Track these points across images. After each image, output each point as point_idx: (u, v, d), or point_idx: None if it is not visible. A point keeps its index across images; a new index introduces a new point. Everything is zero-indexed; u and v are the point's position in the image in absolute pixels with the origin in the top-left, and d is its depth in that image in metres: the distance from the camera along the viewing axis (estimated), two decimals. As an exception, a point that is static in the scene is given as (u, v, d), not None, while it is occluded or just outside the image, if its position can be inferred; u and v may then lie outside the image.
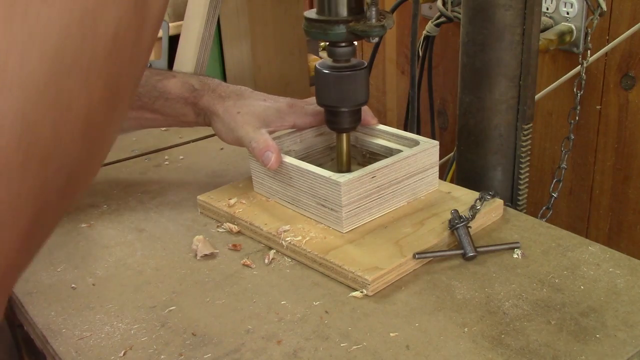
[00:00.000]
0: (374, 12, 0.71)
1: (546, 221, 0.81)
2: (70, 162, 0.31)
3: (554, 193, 1.10)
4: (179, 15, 1.32)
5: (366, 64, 0.78)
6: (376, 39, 0.73)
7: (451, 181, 1.08)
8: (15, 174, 0.28)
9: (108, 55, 0.31)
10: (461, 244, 0.72)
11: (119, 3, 0.31)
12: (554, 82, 1.24)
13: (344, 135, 0.82)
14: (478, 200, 0.75)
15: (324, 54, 1.83)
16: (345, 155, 0.82)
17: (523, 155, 0.95)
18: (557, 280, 0.68)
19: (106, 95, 0.32)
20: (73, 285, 0.72)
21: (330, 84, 0.77)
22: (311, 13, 0.75)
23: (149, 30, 0.34)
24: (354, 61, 0.77)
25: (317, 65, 0.78)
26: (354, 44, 0.75)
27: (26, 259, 0.32)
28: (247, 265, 0.73)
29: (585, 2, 1.17)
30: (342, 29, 0.72)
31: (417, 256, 0.70)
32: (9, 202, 0.28)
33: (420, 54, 1.38)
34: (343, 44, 0.75)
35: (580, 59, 1.10)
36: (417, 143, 0.81)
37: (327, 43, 0.76)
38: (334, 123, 0.81)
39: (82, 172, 0.33)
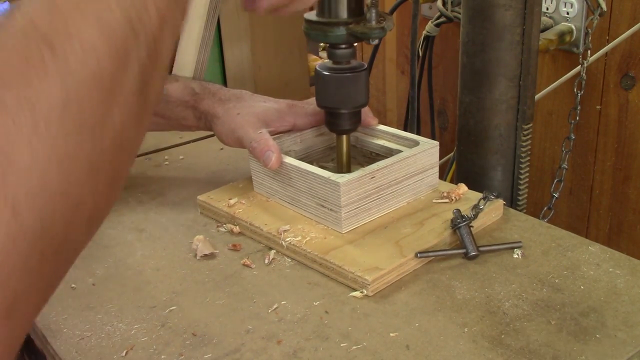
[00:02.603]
0: (373, 14, 0.71)
1: (546, 221, 0.81)
2: (75, 247, 0.36)
3: (555, 193, 1.11)
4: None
5: (366, 65, 0.77)
6: (376, 41, 0.72)
7: (451, 181, 1.08)
8: (32, 269, 0.32)
9: (114, 154, 0.36)
10: (463, 243, 0.72)
11: (123, 107, 0.35)
12: (554, 82, 1.24)
13: (344, 137, 0.82)
14: (482, 200, 0.75)
15: (323, 54, 1.83)
16: (345, 156, 0.82)
17: (523, 155, 0.95)
18: (557, 280, 0.68)
19: (108, 190, 0.36)
20: (73, 285, 0.72)
21: (330, 85, 0.77)
22: (311, 15, 0.75)
23: (147, 121, 0.39)
24: (354, 63, 0.77)
25: (317, 67, 0.77)
26: (354, 46, 0.75)
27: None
28: (247, 265, 0.73)
29: (585, 2, 1.17)
30: (342, 31, 0.72)
31: (419, 255, 0.70)
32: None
33: (420, 54, 1.38)
34: (343, 46, 0.74)
35: (580, 59, 1.10)
36: (417, 143, 0.81)
37: (327, 44, 0.76)
38: (333, 125, 0.81)
39: (81, 248, 0.37)
